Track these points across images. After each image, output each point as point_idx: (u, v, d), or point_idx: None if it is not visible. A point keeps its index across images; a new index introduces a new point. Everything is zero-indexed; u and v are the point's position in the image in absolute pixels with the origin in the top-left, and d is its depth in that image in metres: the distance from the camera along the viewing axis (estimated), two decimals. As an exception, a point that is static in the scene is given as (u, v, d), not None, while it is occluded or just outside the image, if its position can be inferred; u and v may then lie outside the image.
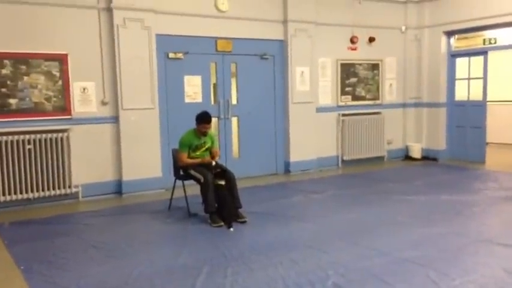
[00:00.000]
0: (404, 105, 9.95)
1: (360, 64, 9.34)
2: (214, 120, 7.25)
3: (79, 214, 6.08)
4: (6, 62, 6.17)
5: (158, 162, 7.20)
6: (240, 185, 5.67)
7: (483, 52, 9.07)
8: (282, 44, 8.40)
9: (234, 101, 8.11)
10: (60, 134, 6.45)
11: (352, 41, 9.13)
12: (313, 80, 8.63)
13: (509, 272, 3.78)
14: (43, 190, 6.37)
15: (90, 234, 5.16)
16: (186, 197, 5.79)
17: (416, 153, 9.82)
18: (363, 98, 9.44)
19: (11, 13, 6.18)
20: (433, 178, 7.93)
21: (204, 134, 5.72)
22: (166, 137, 7.25)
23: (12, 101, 6.24)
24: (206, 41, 7.65)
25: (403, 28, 9.71)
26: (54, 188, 6.44)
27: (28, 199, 6.31)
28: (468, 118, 9.33)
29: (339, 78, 9.08)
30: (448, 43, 9.53)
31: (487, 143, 9.51)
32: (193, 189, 5.79)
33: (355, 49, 9.21)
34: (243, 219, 5.41)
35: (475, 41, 9.49)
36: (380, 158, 9.62)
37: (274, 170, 8.56)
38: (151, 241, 4.95)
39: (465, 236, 4.77)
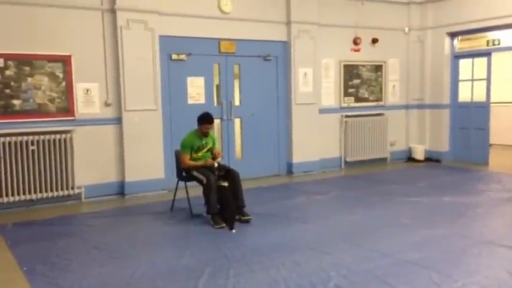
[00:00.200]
0: (407, 107, 9.93)
1: (363, 65, 9.33)
2: (217, 121, 7.29)
3: (82, 215, 6.10)
4: (10, 63, 6.19)
5: (161, 163, 7.21)
6: (242, 186, 5.66)
7: (487, 53, 9.05)
8: (285, 45, 8.40)
9: (237, 102, 8.11)
10: (63, 135, 6.46)
11: (355, 42, 9.12)
12: (316, 81, 8.63)
13: (512, 274, 3.77)
14: (46, 191, 6.39)
15: (93, 235, 5.17)
16: (188, 198, 5.80)
17: (419, 154, 9.80)
18: (366, 100, 9.43)
19: (15, 14, 6.20)
20: (436, 180, 7.91)
21: (206, 134, 5.74)
22: (169, 138, 7.26)
23: (16, 102, 6.26)
24: (209, 42, 7.66)
25: (406, 29, 9.70)
26: (57, 189, 6.46)
27: (31, 200, 6.33)
28: (471, 119, 9.31)
29: (342, 80, 9.08)
30: (452, 44, 9.51)
31: (491, 145, 9.47)
32: (195, 190, 5.80)
33: (358, 50, 9.21)
34: (247, 218, 5.45)
35: (479, 42, 9.48)
36: (383, 160, 9.61)
37: (277, 171, 8.56)
38: (153, 242, 4.95)
39: (468, 237, 4.76)
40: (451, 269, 3.88)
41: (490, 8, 8.45)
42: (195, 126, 5.75)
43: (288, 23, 8.30)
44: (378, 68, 9.51)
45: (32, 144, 6.27)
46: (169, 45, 7.28)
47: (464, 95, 9.50)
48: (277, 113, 8.47)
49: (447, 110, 9.59)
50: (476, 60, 9.28)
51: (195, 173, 5.60)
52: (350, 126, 9.11)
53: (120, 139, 6.95)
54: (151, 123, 7.11)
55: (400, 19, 9.63)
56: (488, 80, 8.98)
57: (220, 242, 4.76)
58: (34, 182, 6.30)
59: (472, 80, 9.35)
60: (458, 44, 9.57)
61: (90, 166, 6.74)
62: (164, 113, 7.27)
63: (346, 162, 9.18)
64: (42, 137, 6.32)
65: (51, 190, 6.43)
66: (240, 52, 7.96)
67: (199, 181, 5.53)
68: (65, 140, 6.47)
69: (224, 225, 5.25)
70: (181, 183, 5.89)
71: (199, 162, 5.67)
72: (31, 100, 6.34)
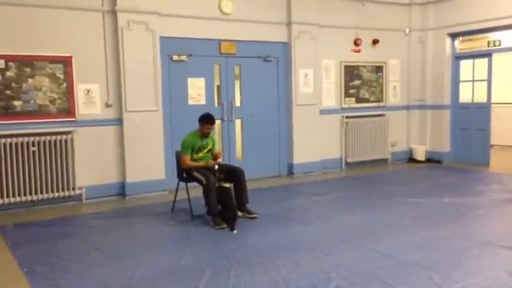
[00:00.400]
0: (408, 108, 9.93)
1: (364, 66, 9.33)
2: (217, 122, 7.28)
3: (82, 216, 6.10)
4: (10, 64, 6.20)
5: (162, 164, 7.22)
6: (244, 186, 5.69)
7: (487, 54, 9.04)
8: (286, 46, 8.40)
9: (237, 103, 8.11)
10: (64, 136, 6.47)
11: (356, 43, 9.12)
12: (316, 82, 8.63)
13: (512, 275, 3.77)
14: (47, 192, 6.39)
15: (94, 236, 5.17)
16: (189, 199, 5.80)
17: (420, 155, 9.80)
18: (366, 100, 9.43)
19: (15, 16, 6.21)
20: (437, 180, 7.91)
21: (206, 135, 5.76)
22: (169, 139, 7.26)
23: (17, 103, 6.26)
24: (210, 43, 7.67)
25: (407, 30, 9.70)
26: (58, 190, 6.46)
27: (32, 201, 6.33)
28: (472, 120, 9.30)
29: (343, 81, 9.07)
30: (452, 45, 9.50)
31: (492, 145, 9.46)
32: (196, 191, 5.80)
33: (359, 51, 9.21)
34: (253, 215, 5.57)
35: (480, 43, 9.46)
36: (384, 161, 9.60)
37: (278, 172, 8.55)
38: (154, 243, 4.95)
39: (468, 238, 4.76)
40: (452, 270, 3.88)
41: (491, 8, 8.44)
42: (196, 126, 5.76)
43: (289, 24, 8.31)
44: (378, 69, 9.50)
45: (33, 145, 6.27)
46: (170, 46, 7.28)
47: (465, 96, 9.49)
48: (277, 113, 8.47)
49: (448, 110, 9.58)
50: (477, 61, 9.27)
51: (195, 174, 5.60)
52: (351, 127, 9.10)
53: (120, 140, 6.96)
54: (152, 124, 7.11)
55: (400, 20, 9.62)
56: (489, 80, 8.98)
57: (220, 242, 4.76)
58: (35, 183, 6.31)
59: (473, 81, 9.34)
60: (459, 44, 9.57)
61: (91, 167, 6.75)
62: (165, 114, 7.27)
63: (346, 163, 9.17)
64: (43, 138, 6.32)
65: (52, 191, 6.43)
66: (240, 53, 7.96)
67: (200, 182, 5.53)
68: (65, 141, 6.48)
69: (225, 225, 5.25)
70: (182, 184, 5.89)
71: (200, 163, 5.67)
72: (32, 101, 6.35)
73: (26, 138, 6.21)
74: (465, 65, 9.49)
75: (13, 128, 6.21)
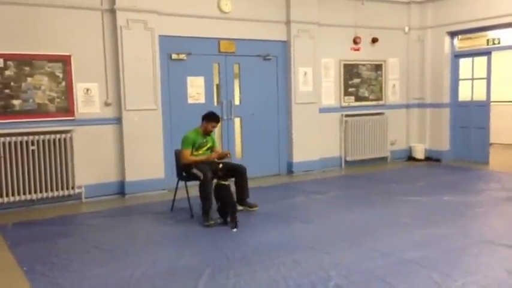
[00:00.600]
0: (407, 106, 9.93)
1: (363, 65, 9.33)
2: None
3: (82, 215, 6.10)
4: (9, 63, 6.19)
5: (161, 163, 7.21)
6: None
7: (487, 52, 9.04)
8: (285, 45, 8.40)
9: (237, 102, 8.11)
10: (63, 135, 6.46)
11: (355, 41, 9.11)
12: (316, 81, 8.63)
13: (511, 272, 3.78)
14: (46, 191, 6.39)
15: (93, 235, 5.17)
16: (188, 198, 5.80)
17: (419, 154, 9.80)
18: (366, 99, 9.43)
19: (14, 14, 6.20)
20: (436, 179, 7.91)
21: (209, 133, 5.81)
22: (169, 138, 7.26)
23: (16, 102, 6.26)
24: (209, 42, 7.66)
25: (406, 29, 9.69)
26: (57, 189, 6.46)
27: (31, 200, 6.33)
28: (472, 119, 9.30)
29: (342, 79, 9.07)
30: (452, 44, 9.50)
31: (491, 144, 9.47)
32: (196, 190, 5.78)
33: (358, 50, 9.20)
34: (254, 208, 5.77)
35: (479, 41, 9.46)
36: (383, 159, 9.61)
37: (277, 170, 8.55)
38: (153, 242, 4.96)
39: (468, 237, 4.76)
40: (451, 268, 3.88)
41: (490, 7, 8.43)
42: (196, 125, 5.77)
43: (288, 23, 8.30)
44: (378, 67, 9.50)
45: (32, 144, 6.27)
46: (169, 45, 7.28)
47: (464, 94, 9.49)
48: (277, 112, 8.47)
49: (447, 109, 9.58)
50: (476, 59, 9.27)
51: (193, 170, 5.59)
52: (350, 125, 9.10)
53: (120, 139, 6.96)
54: (151, 123, 7.11)
55: (400, 18, 9.62)
56: (489, 79, 8.98)
57: (220, 241, 4.76)
58: (34, 182, 6.31)
59: (472, 79, 9.34)
60: (458, 43, 9.56)
61: (90, 166, 6.74)
62: (164, 113, 7.27)
63: (346, 162, 9.17)
64: (42, 137, 6.32)
65: (51, 190, 6.43)
66: (239, 52, 7.96)
67: (197, 177, 5.52)
68: (65, 139, 6.47)
69: (213, 222, 5.28)
70: (182, 183, 5.89)
71: (202, 157, 5.71)
72: (31, 100, 6.34)
73: (25, 137, 6.21)
74: (464, 63, 9.49)
75: (12, 127, 6.20)
